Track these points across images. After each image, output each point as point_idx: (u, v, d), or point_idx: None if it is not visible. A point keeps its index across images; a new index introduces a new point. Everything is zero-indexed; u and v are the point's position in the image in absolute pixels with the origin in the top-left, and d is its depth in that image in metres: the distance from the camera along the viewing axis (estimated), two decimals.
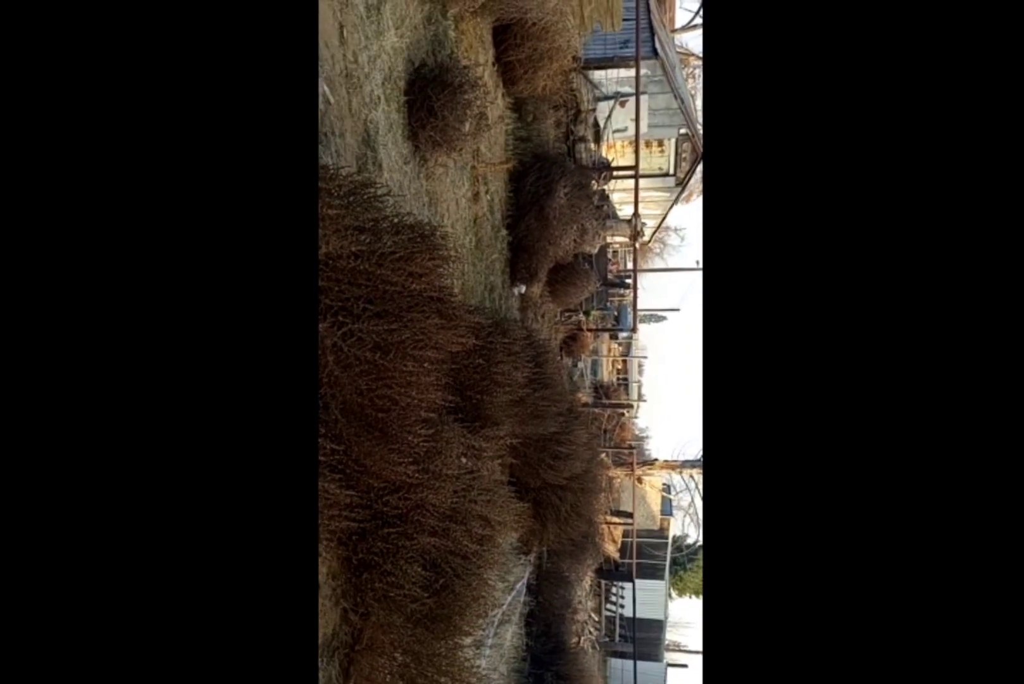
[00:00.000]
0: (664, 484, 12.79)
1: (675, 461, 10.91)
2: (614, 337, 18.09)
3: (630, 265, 17.51)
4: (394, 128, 3.47)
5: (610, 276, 12.99)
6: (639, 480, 11.21)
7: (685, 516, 16.75)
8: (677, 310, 22.88)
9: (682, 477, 11.09)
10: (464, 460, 3.39)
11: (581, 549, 7.90)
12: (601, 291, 9.41)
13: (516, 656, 6.40)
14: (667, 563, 14.06)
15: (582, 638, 8.98)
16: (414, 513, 3.04)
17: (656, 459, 11.22)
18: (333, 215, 1.83)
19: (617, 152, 9.91)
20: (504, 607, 5.86)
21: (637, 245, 8.45)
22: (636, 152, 7.48)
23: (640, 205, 8.92)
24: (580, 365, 10.47)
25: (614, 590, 14.03)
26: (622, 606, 14.16)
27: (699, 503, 11.21)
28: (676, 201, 11.28)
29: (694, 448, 11.71)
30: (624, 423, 12.20)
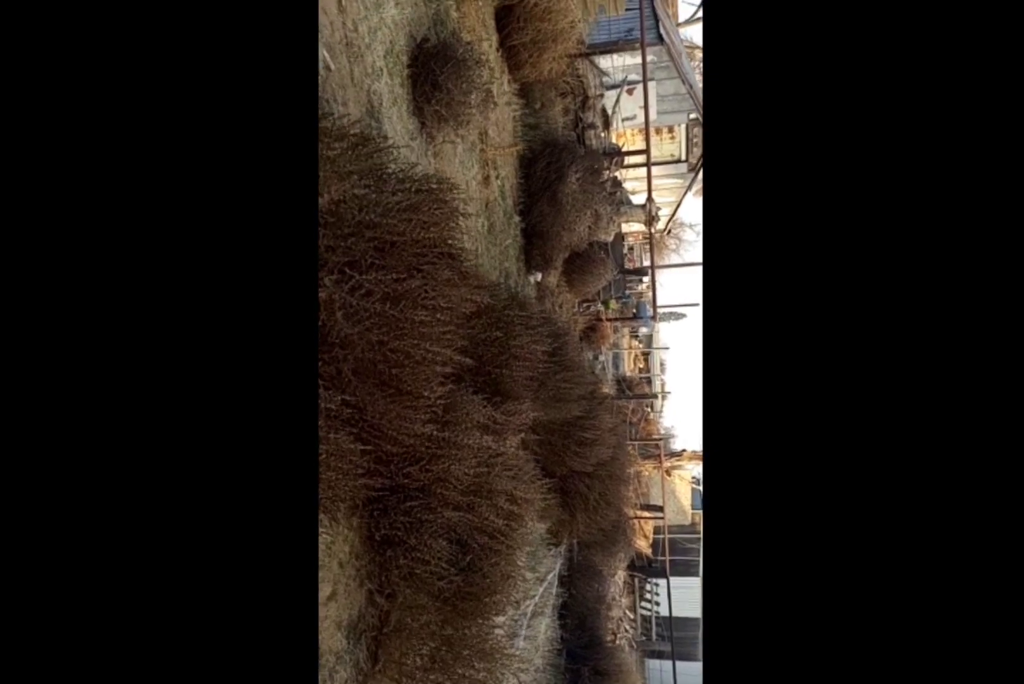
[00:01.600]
0: (694, 477, 12.54)
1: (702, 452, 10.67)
2: (634, 335, 17.93)
3: (646, 262, 17.37)
4: (398, 102, 3.43)
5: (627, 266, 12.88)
6: (668, 473, 11.00)
7: None
8: (696, 305, 22.63)
9: None
10: (486, 437, 3.30)
11: (612, 541, 7.74)
12: (618, 280, 9.30)
13: (551, 649, 6.25)
14: (701, 559, 13.77)
15: (618, 636, 8.79)
16: (436, 486, 2.95)
17: (684, 450, 10.99)
18: (333, 156, 1.77)
19: (627, 141, 9.81)
20: (536, 598, 5.74)
21: (653, 231, 8.33)
22: (647, 136, 7.39)
23: (654, 192, 8.81)
24: (601, 358, 10.33)
25: (648, 588, 13.77)
26: (657, 604, 13.89)
27: None
28: (690, 188, 11.13)
29: None
30: (649, 417, 12.01)
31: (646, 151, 7.56)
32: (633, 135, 9.67)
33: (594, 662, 6.75)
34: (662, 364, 22.19)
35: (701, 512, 13.62)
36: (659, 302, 16.04)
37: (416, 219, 2.04)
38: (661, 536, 12.16)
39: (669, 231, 20.76)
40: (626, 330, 13.36)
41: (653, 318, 13.00)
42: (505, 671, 3.32)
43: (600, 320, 9.03)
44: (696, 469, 11.98)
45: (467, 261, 2.40)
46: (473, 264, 2.56)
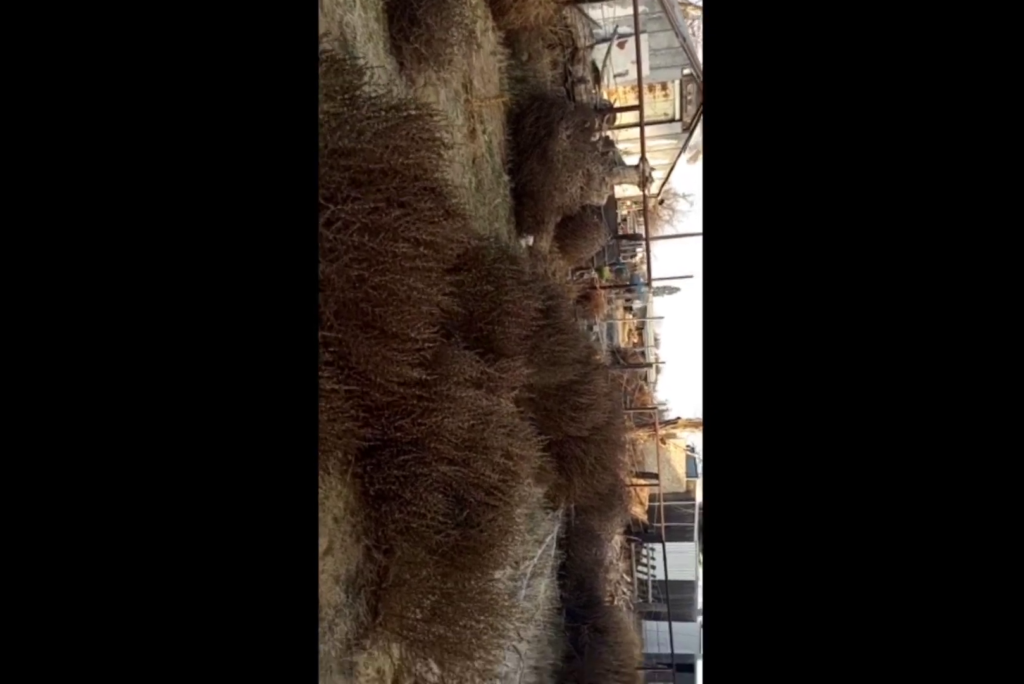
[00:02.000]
0: (688, 445, 12.59)
1: (698, 419, 10.66)
2: (628, 308, 17.76)
3: (639, 230, 17.13)
4: (374, 38, 3.24)
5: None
6: (663, 441, 11.01)
7: None
8: (691, 277, 22.49)
9: None
10: (478, 392, 3.21)
11: (608, 506, 7.76)
12: (612, 245, 9.14)
13: (551, 608, 6.29)
14: (696, 525, 13.92)
15: (616, 598, 8.88)
16: (430, 440, 2.87)
17: (678, 418, 10.98)
18: None
19: (619, 98, 9.56)
20: (535, 559, 5.74)
21: (646, 193, 8.15)
22: (640, 92, 7.16)
23: (647, 153, 8.60)
24: (595, 329, 10.23)
25: (644, 553, 13.95)
26: (653, 568, 14.10)
27: None
28: (684, 149, 10.91)
29: None
30: (643, 388, 11.98)
31: (639, 107, 7.34)
32: (625, 92, 9.41)
33: (593, 620, 6.80)
34: (656, 338, 22.10)
35: (696, 480, 13.73)
36: (653, 274, 15.85)
37: (394, 144, 1.90)
38: (657, 503, 12.25)
39: (662, 201, 20.46)
40: (620, 302, 13.25)
41: (648, 285, 12.86)
42: (506, 623, 3.29)
43: (594, 288, 8.91)
44: (690, 437, 12.01)
45: (452, 198, 2.27)
46: (458, 203, 2.42)
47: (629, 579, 11.13)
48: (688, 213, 28.12)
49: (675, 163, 11.30)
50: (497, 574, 3.48)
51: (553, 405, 5.79)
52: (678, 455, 12.32)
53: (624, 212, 16.23)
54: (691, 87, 9.42)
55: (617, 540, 10.40)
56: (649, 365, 12.20)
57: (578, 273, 8.79)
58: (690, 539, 14.30)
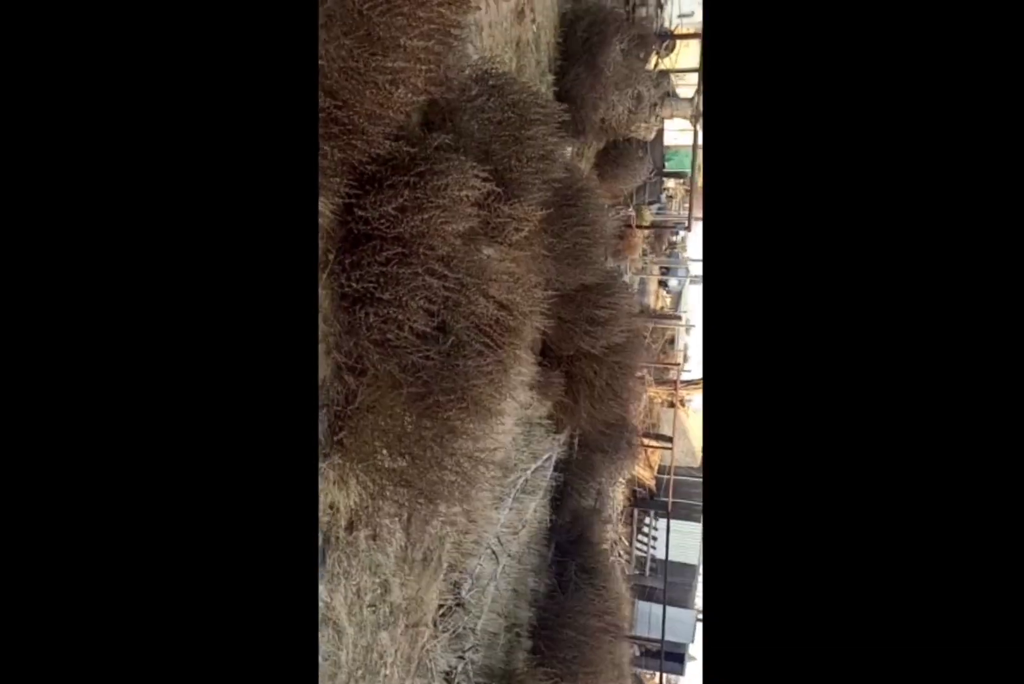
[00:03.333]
0: None
1: None
2: (662, 284, 17.20)
3: (683, 212, 16.58)
4: None
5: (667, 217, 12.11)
6: (681, 403, 10.60)
7: None
8: None
9: None
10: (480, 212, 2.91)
11: (615, 448, 7.43)
12: (655, 183, 8.73)
13: (539, 532, 6.00)
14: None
15: (611, 559, 8.55)
16: (417, 242, 2.58)
17: (700, 379, 10.54)
18: None
19: (679, 47, 9.08)
20: (529, 473, 5.45)
21: (698, 129, 7.72)
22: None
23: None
24: (626, 277, 9.84)
25: (646, 529, 13.54)
26: (654, 547, 13.68)
27: None
28: None
29: None
30: (667, 351, 11.55)
31: (701, 35, 6.90)
32: (682, 47, 8.92)
33: (582, 560, 6.50)
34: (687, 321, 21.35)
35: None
36: (691, 252, 15.14)
37: None
38: (667, 476, 11.84)
39: None
40: (656, 265, 12.79)
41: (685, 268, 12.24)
42: (478, 475, 3.02)
43: (630, 227, 8.52)
44: None
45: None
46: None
47: (627, 544, 10.78)
48: None
49: None
50: (480, 442, 3.20)
51: (568, 314, 5.47)
52: (695, 425, 11.86)
53: (671, 190, 15.65)
54: None
55: (620, 498, 10.06)
56: (679, 317, 11.75)
57: (615, 208, 8.40)
58: (697, 520, 13.85)
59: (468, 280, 2.81)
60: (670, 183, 13.13)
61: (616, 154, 7.55)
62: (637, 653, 12.79)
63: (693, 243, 16.02)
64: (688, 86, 8.40)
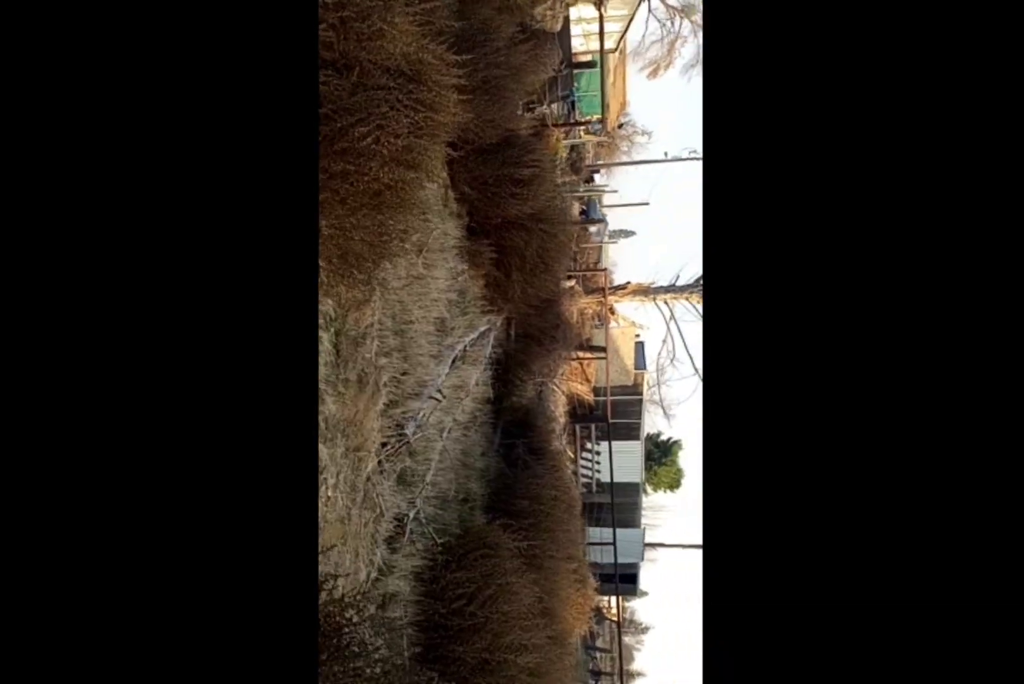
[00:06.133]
0: (637, 333, 12.24)
1: (648, 284, 10.29)
2: (583, 214, 17.16)
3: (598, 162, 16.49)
4: None
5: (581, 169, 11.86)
6: (611, 311, 10.63)
7: (658, 409, 16.41)
8: (647, 204, 22.15)
9: (657, 305, 10.49)
10: None
11: (551, 339, 7.31)
12: (565, 75, 8.53)
13: (484, 409, 5.81)
14: (642, 423, 13.75)
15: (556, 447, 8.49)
16: None
17: (628, 282, 10.60)
18: None
19: None
20: (467, 342, 5.22)
21: (603, 11, 7.54)
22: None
23: (606, 2, 7.99)
24: None
25: (588, 455, 13.72)
26: (598, 470, 13.90)
27: (675, 333, 10.71)
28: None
29: (668, 272, 11.04)
30: (590, 248, 11.50)
31: None
32: None
33: (529, 441, 6.39)
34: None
35: (644, 372, 13.49)
36: (607, 203, 15.03)
37: None
38: (603, 398, 11.96)
39: (620, 125, 19.87)
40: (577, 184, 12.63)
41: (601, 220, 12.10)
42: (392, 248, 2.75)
43: (545, 125, 8.30)
44: (639, 318, 11.69)
45: None
46: None
47: (572, 456, 10.84)
48: (647, 146, 27.73)
49: (634, 14, 10.68)
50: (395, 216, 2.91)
51: (491, 171, 5.23)
52: (626, 343, 11.99)
53: (582, 142, 15.49)
54: None
55: (560, 410, 10.04)
56: (602, 221, 11.69)
57: (528, 107, 8.15)
58: (636, 438, 14.14)
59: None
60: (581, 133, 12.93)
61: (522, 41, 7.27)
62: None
63: (613, 190, 16.07)
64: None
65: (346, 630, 2.31)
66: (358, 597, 2.66)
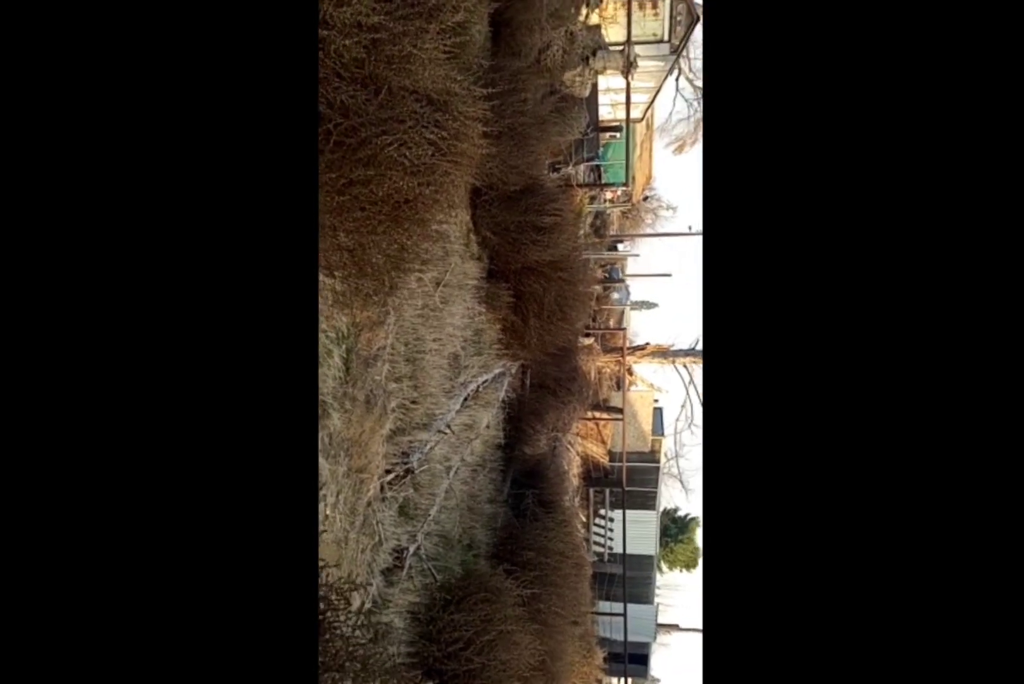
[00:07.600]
0: (656, 399, 12.04)
1: (667, 346, 10.21)
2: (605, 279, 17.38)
3: (622, 238, 16.96)
4: None
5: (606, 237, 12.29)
6: (629, 372, 10.52)
7: (676, 482, 15.89)
8: (669, 275, 22.40)
9: (676, 367, 10.36)
10: None
11: (567, 391, 7.23)
12: (591, 138, 8.90)
13: (494, 452, 5.66)
14: (659, 492, 13.23)
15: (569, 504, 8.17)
16: None
17: (647, 343, 10.52)
18: None
19: (607, 15, 9.52)
20: (480, 383, 5.17)
21: (630, 80, 7.97)
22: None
23: (633, 72, 8.49)
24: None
25: (601, 522, 13.16)
26: (611, 539, 13.29)
27: (695, 399, 10.49)
28: (670, 72, 10.88)
29: (689, 337, 10.98)
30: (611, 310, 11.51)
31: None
32: (616, 9, 9.37)
33: (540, 491, 6.18)
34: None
35: (662, 438, 13.14)
36: (631, 271, 15.31)
37: None
38: (619, 464, 11.64)
39: (646, 198, 20.46)
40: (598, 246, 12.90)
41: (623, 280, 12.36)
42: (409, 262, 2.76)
43: (571, 185, 8.59)
44: (658, 383, 11.53)
45: None
46: None
47: (585, 521, 10.41)
48: (671, 219, 28.32)
49: (661, 86, 11.26)
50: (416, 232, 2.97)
51: (514, 218, 5.36)
52: (644, 407, 11.78)
53: (607, 211, 16.06)
54: (681, 7, 9.43)
55: (575, 470, 9.75)
56: (622, 280, 11.77)
57: (553, 167, 8.48)
58: (652, 508, 13.57)
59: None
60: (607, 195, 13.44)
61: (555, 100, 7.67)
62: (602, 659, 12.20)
63: (636, 258, 16.42)
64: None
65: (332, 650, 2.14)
66: (351, 625, 2.49)
